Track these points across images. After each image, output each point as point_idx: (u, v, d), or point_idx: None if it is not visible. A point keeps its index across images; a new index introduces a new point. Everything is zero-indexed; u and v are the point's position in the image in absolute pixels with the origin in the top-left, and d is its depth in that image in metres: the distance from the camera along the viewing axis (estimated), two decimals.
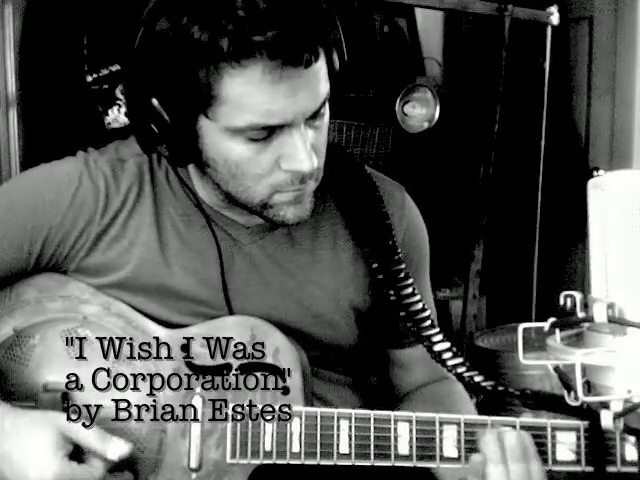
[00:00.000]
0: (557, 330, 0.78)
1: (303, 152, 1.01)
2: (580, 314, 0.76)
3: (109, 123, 2.13)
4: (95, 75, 2.11)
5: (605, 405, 0.72)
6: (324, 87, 1.01)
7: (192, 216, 1.14)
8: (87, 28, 2.11)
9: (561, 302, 0.77)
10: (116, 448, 1.02)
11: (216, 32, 0.93)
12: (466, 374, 1.06)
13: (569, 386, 0.75)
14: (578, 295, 0.77)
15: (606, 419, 0.71)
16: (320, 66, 0.99)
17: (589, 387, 0.75)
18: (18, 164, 2.06)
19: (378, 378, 1.34)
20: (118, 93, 2.13)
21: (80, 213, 1.11)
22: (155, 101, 1.00)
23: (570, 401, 0.75)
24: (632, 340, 0.72)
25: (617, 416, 0.71)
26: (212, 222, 1.13)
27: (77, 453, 1.02)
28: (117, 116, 2.13)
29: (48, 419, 1.02)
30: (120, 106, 2.13)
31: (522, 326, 0.80)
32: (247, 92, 0.96)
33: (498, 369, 2.37)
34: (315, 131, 1.03)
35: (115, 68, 2.11)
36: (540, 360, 0.79)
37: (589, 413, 0.92)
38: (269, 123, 0.98)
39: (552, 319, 0.78)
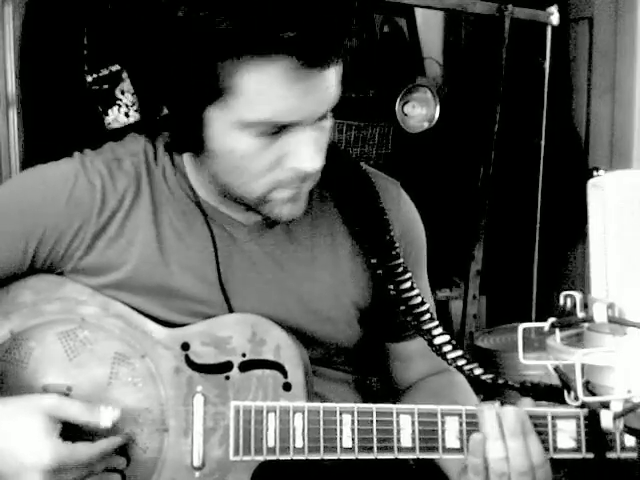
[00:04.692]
0: (557, 330, 0.78)
1: (309, 152, 1.01)
2: (580, 314, 0.76)
3: (109, 123, 2.13)
4: (95, 75, 2.11)
5: (605, 405, 0.72)
6: (337, 90, 1.01)
7: (190, 214, 1.13)
8: (87, 28, 2.11)
9: (561, 302, 0.77)
10: (107, 414, 1.02)
11: (243, 25, 0.91)
12: (466, 367, 1.07)
13: (569, 386, 0.75)
14: (578, 295, 0.77)
15: (606, 419, 0.71)
16: (337, 70, 0.99)
17: (589, 387, 0.75)
18: (18, 164, 2.05)
19: (378, 378, 1.34)
20: (118, 93, 2.12)
21: (76, 212, 1.10)
22: (164, 86, 0.98)
23: (570, 401, 0.75)
24: (632, 340, 0.72)
25: (617, 416, 0.71)
26: (210, 219, 1.13)
27: (67, 434, 1.01)
28: (117, 116, 2.13)
29: (33, 404, 1.01)
30: (120, 106, 2.13)
31: (522, 326, 0.80)
32: (265, 88, 0.95)
33: (498, 369, 2.38)
34: (320, 132, 1.03)
35: (115, 68, 2.11)
36: (540, 360, 0.79)
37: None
38: (281, 121, 0.98)
39: (552, 319, 0.78)
